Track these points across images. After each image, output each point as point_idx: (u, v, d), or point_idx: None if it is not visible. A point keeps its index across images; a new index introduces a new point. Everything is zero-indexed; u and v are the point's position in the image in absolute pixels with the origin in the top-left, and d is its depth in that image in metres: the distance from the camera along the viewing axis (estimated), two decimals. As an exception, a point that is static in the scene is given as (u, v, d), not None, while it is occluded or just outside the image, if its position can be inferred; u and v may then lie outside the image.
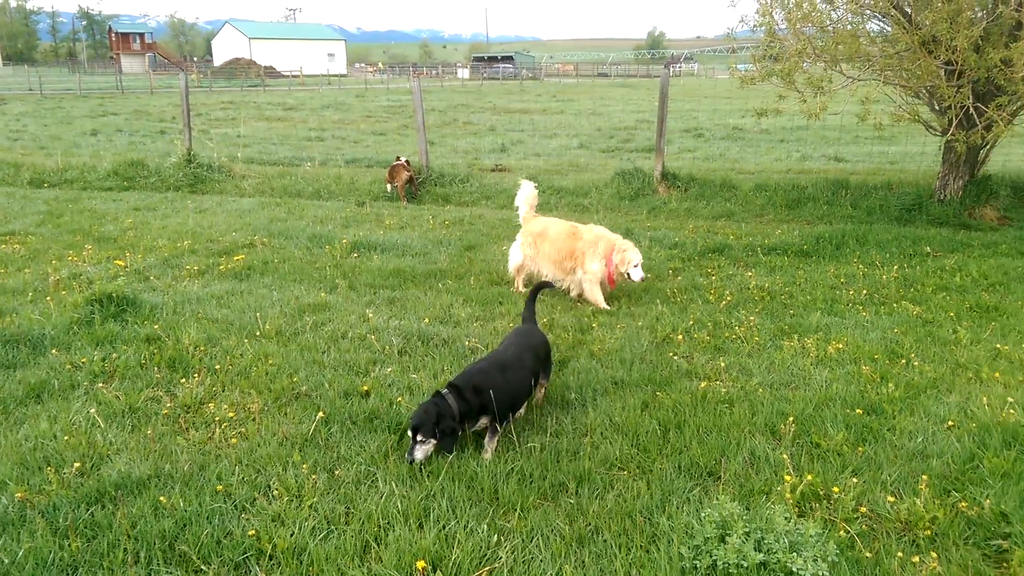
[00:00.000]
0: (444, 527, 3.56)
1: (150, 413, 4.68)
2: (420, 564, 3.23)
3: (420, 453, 4.02)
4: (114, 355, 5.48)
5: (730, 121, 25.57)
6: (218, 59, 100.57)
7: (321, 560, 3.33)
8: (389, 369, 5.32)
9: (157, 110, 33.18)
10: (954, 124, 8.75)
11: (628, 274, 6.87)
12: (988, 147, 10.44)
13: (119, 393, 4.90)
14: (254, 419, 4.61)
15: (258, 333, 6.02)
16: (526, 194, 7.67)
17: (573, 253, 7.02)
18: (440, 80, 74.57)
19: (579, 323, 6.50)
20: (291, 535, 3.49)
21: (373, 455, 4.19)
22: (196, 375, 5.20)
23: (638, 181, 12.43)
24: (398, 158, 12.29)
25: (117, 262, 7.99)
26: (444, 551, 3.37)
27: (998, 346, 5.86)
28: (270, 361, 5.45)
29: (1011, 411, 4.68)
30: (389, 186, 12.27)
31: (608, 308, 6.86)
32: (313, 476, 3.96)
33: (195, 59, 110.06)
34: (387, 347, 5.73)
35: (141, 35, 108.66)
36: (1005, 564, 3.37)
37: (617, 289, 7.39)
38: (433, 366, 5.39)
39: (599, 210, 11.36)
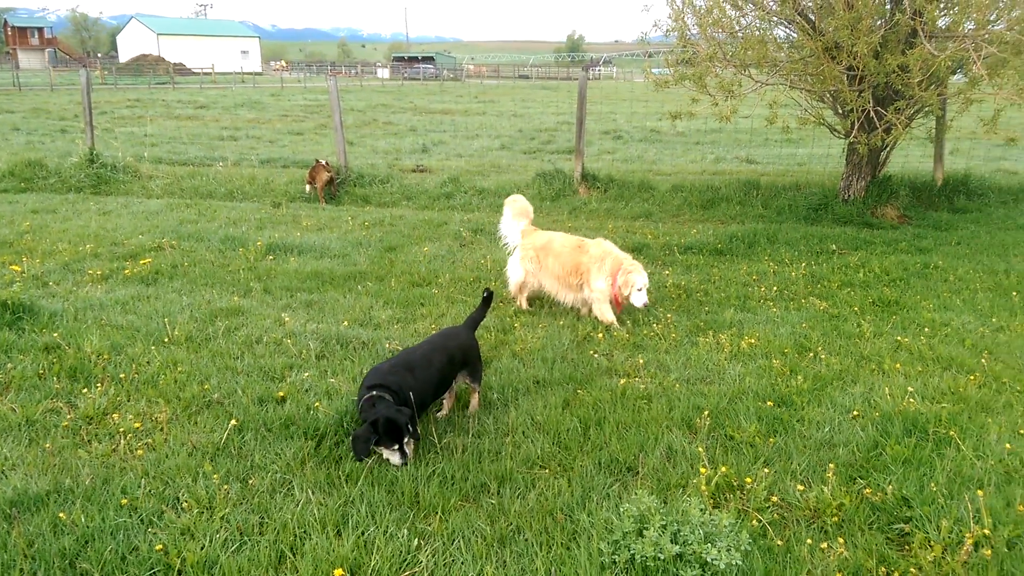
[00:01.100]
0: (363, 533, 3.49)
1: (49, 426, 4.42)
2: (338, 572, 3.16)
3: (410, 451, 4.06)
4: (9, 365, 5.16)
5: (647, 124, 26.12)
6: (124, 55, 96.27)
7: (233, 573, 3.21)
8: (306, 374, 5.18)
9: (58, 108, 31.49)
10: (856, 127, 9.17)
11: (630, 296, 6.39)
12: (888, 149, 10.99)
13: (15, 405, 4.61)
14: (162, 429, 4.42)
15: (166, 339, 5.78)
16: (518, 207, 7.17)
17: (578, 268, 6.59)
18: (359, 80, 73.50)
19: (501, 323, 6.50)
20: (201, 548, 3.35)
21: (289, 462, 4.07)
22: (99, 385, 4.94)
23: (559, 182, 12.55)
24: (317, 160, 12.03)
25: (13, 267, 7.53)
26: (363, 558, 3.30)
27: (899, 338, 6.16)
28: (179, 368, 5.23)
29: (911, 400, 4.93)
30: (308, 187, 12.00)
31: (619, 327, 6.45)
32: (225, 486, 3.81)
33: (99, 55, 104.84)
34: (304, 351, 5.59)
35: (40, 30, 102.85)
36: (907, 547, 3.53)
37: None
38: (352, 369, 5.28)
39: (520, 211, 11.40)
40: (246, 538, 3.46)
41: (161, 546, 3.35)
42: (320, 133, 23.35)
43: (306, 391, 4.93)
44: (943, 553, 3.39)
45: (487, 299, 5.12)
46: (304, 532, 3.50)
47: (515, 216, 7.15)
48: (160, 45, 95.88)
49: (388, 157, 17.50)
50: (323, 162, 11.85)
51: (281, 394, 4.84)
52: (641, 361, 5.68)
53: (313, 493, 3.78)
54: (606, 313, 6.54)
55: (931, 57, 8.09)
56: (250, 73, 79.98)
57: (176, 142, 19.67)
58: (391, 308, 6.75)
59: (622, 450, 4.32)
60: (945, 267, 8.22)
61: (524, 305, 7.04)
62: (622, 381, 5.28)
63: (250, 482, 3.90)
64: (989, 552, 3.35)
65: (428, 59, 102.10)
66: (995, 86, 8.54)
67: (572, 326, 6.44)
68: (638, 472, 4.14)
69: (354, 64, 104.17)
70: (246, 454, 4.17)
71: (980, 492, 3.74)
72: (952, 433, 4.43)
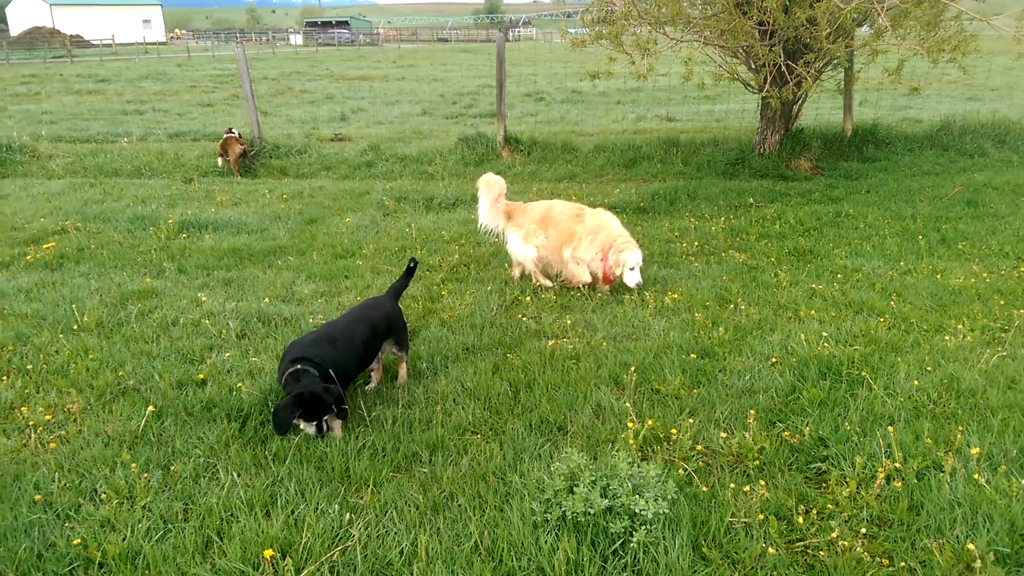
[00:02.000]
0: (293, 512, 3.43)
1: (-52, 425, 4.17)
2: (268, 553, 3.10)
3: (338, 428, 4.01)
4: (-100, 364, 4.84)
5: (569, 84, 26.09)
6: (15, 29, 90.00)
7: (158, 562, 3.11)
8: (227, 354, 5.03)
9: (-58, 85, 29.34)
10: (768, 81, 9.36)
11: (622, 276, 6.15)
12: (800, 102, 11.28)
13: (-92, 406, 4.33)
14: (75, 420, 4.23)
15: (76, 327, 5.51)
16: (496, 190, 6.66)
17: (572, 237, 6.32)
18: (271, 47, 70.84)
19: (429, 292, 6.44)
20: (123, 539, 3.24)
21: (213, 446, 3.95)
22: (5, 378, 4.69)
23: (482, 146, 12.45)
24: (229, 130, 11.58)
25: (-101, 259, 7.04)
26: (293, 536, 3.25)
27: (813, 286, 6.39)
28: (91, 356, 5.00)
29: (826, 344, 5.13)
30: (220, 160, 11.55)
31: (586, 281, 6.32)
32: (145, 475, 3.68)
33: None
34: (224, 331, 5.42)
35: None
36: (824, 484, 3.69)
37: (468, 255, 7.39)
38: (275, 347, 5.15)
39: (444, 177, 11.28)
40: (170, 526, 3.35)
41: (80, 540, 3.22)
42: (231, 104, 22.47)
43: (228, 372, 4.79)
44: (858, 488, 3.55)
45: (411, 269, 5.05)
46: (231, 515, 3.41)
47: (493, 202, 6.65)
48: (54, 16, 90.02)
49: (305, 127, 16.99)
50: (235, 133, 11.41)
51: (201, 376, 4.68)
52: (569, 322, 5.73)
53: (239, 475, 3.69)
54: (579, 273, 6.33)
55: (837, 9, 8.28)
56: (153, 43, 76.11)
57: (77, 118, 18.62)
58: (314, 282, 6.60)
59: (552, 410, 4.36)
60: (855, 215, 8.54)
61: (546, 282, 6.63)
62: (550, 343, 5.32)
63: (172, 469, 3.78)
64: (900, 484, 3.53)
65: (343, 24, 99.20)
66: (898, 37, 8.82)
67: (500, 291, 6.43)
68: (568, 431, 4.19)
69: (265, 31, 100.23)
70: (166, 440, 4.03)
71: (891, 428, 3.93)
72: (864, 374, 4.63)
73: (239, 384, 4.55)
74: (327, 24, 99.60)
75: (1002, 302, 5.90)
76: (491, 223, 6.76)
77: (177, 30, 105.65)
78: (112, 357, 5.00)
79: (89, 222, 8.48)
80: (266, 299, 6.08)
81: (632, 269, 6.09)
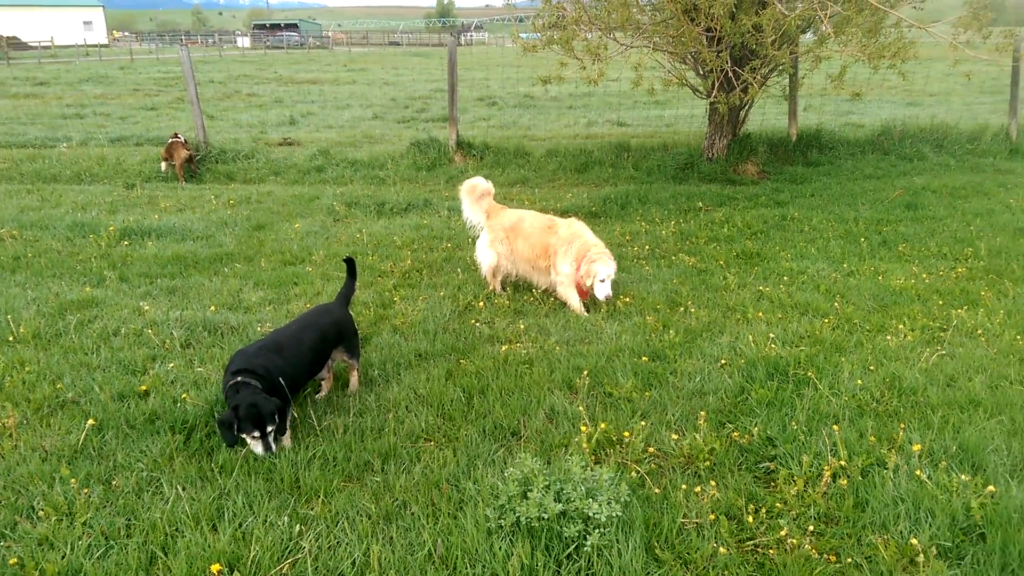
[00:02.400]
0: (241, 525, 3.35)
1: None
2: (215, 568, 3.02)
3: (274, 442, 3.85)
4: None
5: (521, 89, 26.17)
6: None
7: (99, 582, 3.00)
8: (171, 364, 4.89)
9: None
10: (716, 87, 9.52)
11: (593, 288, 5.97)
12: (747, 108, 11.50)
13: None
14: (11, 435, 4.06)
15: (11, 338, 5.30)
16: (477, 192, 6.67)
17: (547, 250, 6.21)
18: (218, 49, 69.50)
19: (380, 298, 6.37)
20: (63, 557, 3.12)
21: (156, 459, 3.84)
22: (-68, 393, 4.48)
23: (434, 151, 12.39)
24: (175, 134, 11.30)
25: None
26: (241, 550, 3.17)
27: (761, 288, 6.51)
28: (27, 368, 4.82)
29: (773, 346, 5.22)
30: (164, 164, 11.26)
31: (586, 314, 6.03)
32: (85, 490, 3.55)
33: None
34: (167, 341, 5.27)
35: None
36: (773, 483, 3.75)
37: (420, 261, 7.34)
38: (222, 357, 5.03)
39: (396, 181, 11.20)
40: (112, 542, 3.24)
41: (16, 559, 3.10)
42: (176, 107, 21.96)
43: (172, 383, 4.66)
44: (805, 486, 3.62)
45: (351, 268, 4.95)
46: (176, 530, 3.32)
47: (475, 201, 6.69)
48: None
49: (253, 131, 16.69)
50: (180, 138, 11.14)
51: (144, 388, 4.55)
52: (522, 327, 5.73)
53: (184, 489, 3.59)
54: (570, 299, 6.16)
55: (782, 16, 8.48)
56: (95, 45, 73.89)
57: (13, 123, 17.96)
58: (262, 289, 6.47)
59: (506, 416, 4.35)
60: (800, 218, 8.73)
61: (498, 288, 6.63)
62: (504, 348, 5.31)
63: (114, 483, 3.66)
64: (845, 482, 3.61)
65: (292, 26, 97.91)
66: (841, 43, 9.06)
67: (453, 296, 6.40)
68: (522, 436, 4.18)
69: (211, 33, 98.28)
70: (107, 454, 3.90)
71: (836, 427, 4.02)
72: (810, 374, 4.73)
73: (184, 395, 4.42)
74: (276, 27, 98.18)
75: (941, 302, 6.09)
76: (473, 219, 6.83)
77: (115, 32, 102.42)
78: (50, 369, 4.83)
79: (26, 229, 8.18)
80: (212, 307, 5.94)
81: (603, 281, 5.88)
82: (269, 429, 3.77)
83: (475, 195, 6.69)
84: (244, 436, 3.78)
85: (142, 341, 5.30)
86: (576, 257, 6.04)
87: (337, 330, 4.55)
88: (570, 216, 6.67)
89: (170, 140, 11.22)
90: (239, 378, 3.88)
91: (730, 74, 9.30)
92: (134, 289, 6.43)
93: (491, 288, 6.64)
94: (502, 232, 6.49)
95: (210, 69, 39.17)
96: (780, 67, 10.11)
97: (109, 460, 3.86)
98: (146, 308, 5.88)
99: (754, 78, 9.11)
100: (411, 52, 68.83)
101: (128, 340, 5.31)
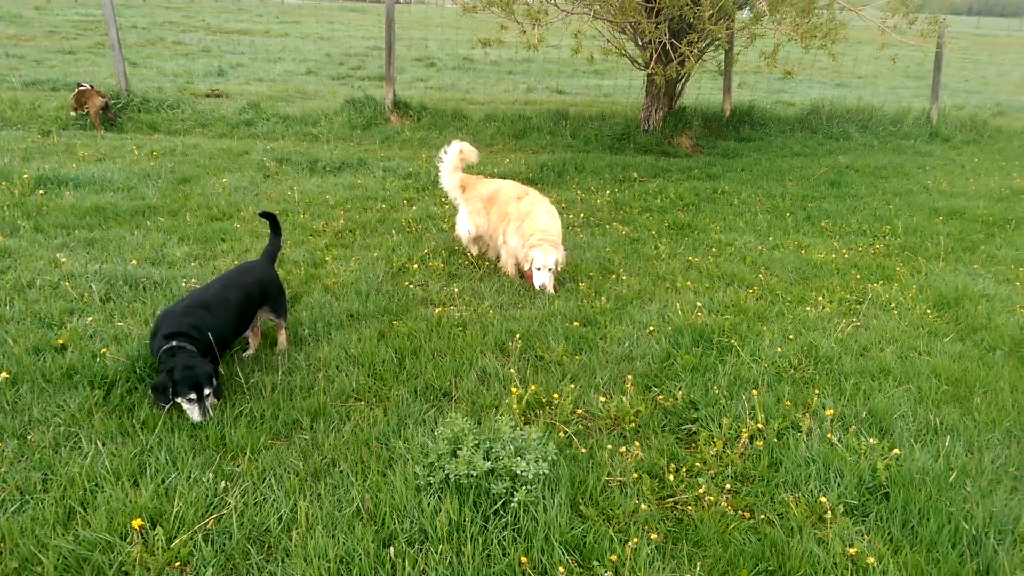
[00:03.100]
0: (164, 481, 3.28)
1: None
2: (136, 522, 2.95)
3: (209, 408, 3.75)
4: None
5: (460, 52, 25.77)
6: None
7: (15, 534, 2.91)
8: (90, 319, 4.71)
9: None
10: (653, 59, 9.60)
11: (531, 275, 5.76)
12: (683, 81, 11.65)
13: None
14: (-87, 389, 3.86)
15: (-87, 287, 5.01)
16: (452, 160, 6.58)
17: (505, 218, 6.05)
18: (144, -6, 65.77)
19: (312, 257, 6.25)
20: (-29, 514, 3.00)
21: (74, 414, 3.71)
22: None
23: (370, 110, 12.14)
24: (80, 84, 10.68)
25: None
26: (164, 506, 3.11)
27: (690, 258, 6.67)
28: (-69, 319, 4.56)
29: (699, 314, 5.38)
30: (74, 113, 10.67)
31: (510, 274, 6.02)
32: (-1, 445, 3.42)
33: None
34: (86, 294, 5.07)
35: None
36: (693, 444, 3.89)
37: (354, 221, 7.22)
38: (144, 312, 4.87)
39: (330, 139, 10.95)
40: (28, 497, 3.14)
41: (-81, 518, 2.96)
42: (96, 52, 20.78)
43: (91, 337, 4.49)
44: (724, 447, 3.77)
45: (273, 224, 4.83)
46: (96, 485, 3.23)
47: (452, 170, 6.58)
48: None
49: (178, 80, 15.97)
50: (92, 87, 10.54)
51: (61, 342, 4.37)
52: (456, 290, 5.73)
53: (104, 444, 3.49)
54: (507, 265, 6.11)
55: (720, -8, 8.59)
56: (6, -20, 69.13)
57: (-87, 59, 16.72)
58: (187, 244, 6.27)
59: (437, 377, 4.36)
60: (731, 192, 8.95)
61: (475, 252, 6.56)
62: (437, 310, 5.30)
63: (29, 438, 3.53)
64: (761, 443, 3.77)
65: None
66: (775, 21, 9.25)
67: (387, 258, 6.33)
68: (453, 396, 4.21)
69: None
70: (22, 408, 3.75)
71: (755, 392, 4.19)
72: (733, 341, 4.90)
73: (103, 350, 4.27)
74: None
75: (858, 276, 6.37)
76: (449, 192, 6.71)
77: None
78: (-43, 321, 4.59)
79: (-71, 174, 7.68)
80: (134, 261, 5.73)
81: (539, 269, 5.67)
82: (206, 392, 3.70)
83: (451, 162, 6.58)
84: (180, 400, 3.70)
85: (59, 294, 5.08)
86: (524, 235, 5.85)
87: (262, 289, 4.43)
88: (544, 197, 6.28)
89: (78, 89, 10.62)
90: (173, 342, 3.78)
91: (667, 46, 9.39)
92: (50, 240, 6.13)
93: (472, 255, 6.53)
94: (479, 203, 6.32)
95: (133, 14, 37.13)
96: (716, 42, 10.26)
97: (24, 415, 3.71)
98: (63, 260, 5.63)
99: (691, 51, 9.22)
100: (347, 7, 66.75)
101: (44, 292, 5.08)
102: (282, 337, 4.65)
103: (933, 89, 13.31)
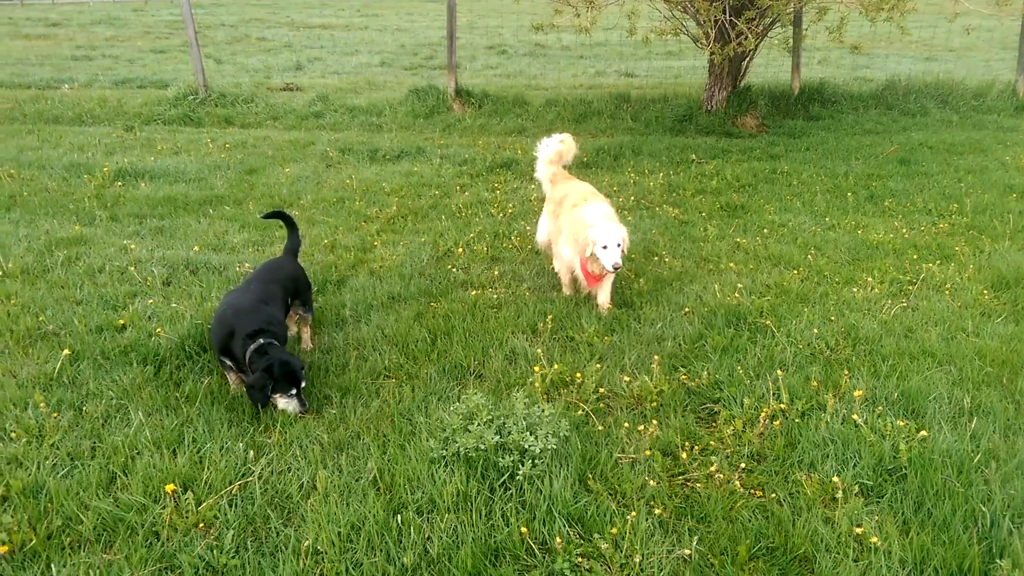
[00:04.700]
0: (199, 450, 3.54)
1: None
2: (169, 487, 3.21)
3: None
4: None
5: (533, 38, 25.76)
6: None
7: (61, 496, 3.21)
8: (150, 301, 5.07)
9: None
10: (712, 37, 9.41)
11: (597, 258, 4.88)
12: (747, 59, 11.34)
13: None
14: (-9, 364, 4.27)
15: (0, 273, 5.49)
16: (549, 153, 5.82)
17: (560, 231, 5.33)
18: (234, -7, 68.43)
19: (362, 242, 6.48)
20: (28, 475, 3.32)
21: (126, 388, 4.03)
22: (-79, 323, 4.69)
23: (432, 98, 12.34)
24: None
25: None
26: (196, 473, 3.37)
27: (738, 240, 6.56)
28: (13, 301, 5.01)
29: (737, 295, 5.31)
30: None
31: (568, 293, 5.39)
32: (55, 414, 3.76)
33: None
34: (149, 278, 5.44)
35: None
36: (713, 423, 3.89)
37: (406, 208, 7.42)
38: (200, 295, 5.19)
39: (392, 128, 11.22)
40: (77, 463, 3.45)
41: (-16, 477, 3.31)
42: (185, 51, 21.81)
43: (149, 318, 4.83)
44: (743, 427, 3.75)
45: (287, 221, 4.89)
46: (138, 453, 3.52)
47: (547, 163, 5.84)
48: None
49: (258, 75, 16.65)
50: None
51: (121, 322, 4.72)
52: (496, 273, 5.84)
53: (149, 416, 3.78)
54: (563, 279, 5.46)
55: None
56: (110, -14, 73.16)
57: (23, 64, 18.00)
58: (247, 231, 6.61)
59: (466, 356, 4.49)
60: (791, 172, 8.71)
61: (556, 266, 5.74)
62: (474, 292, 5.43)
63: (84, 409, 3.86)
64: (779, 423, 3.74)
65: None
66: (842, -4, 8.91)
67: (434, 242, 6.49)
68: (480, 375, 4.33)
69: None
70: (81, 383, 4.10)
71: (780, 372, 4.13)
72: (768, 322, 4.83)
73: (158, 330, 4.59)
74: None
75: (915, 256, 6.13)
76: (543, 186, 6.01)
77: None
78: (35, 303, 5.02)
79: (24, 169, 8.34)
80: (196, 247, 6.10)
81: (605, 248, 4.81)
82: (303, 385, 3.84)
83: (547, 155, 5.84)
84: (277, 396, 3.82)
85: (125, 278, 5.48)
86: (575, 237, 5.02)
87: (294, 284, 4.53)
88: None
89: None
90: (260, 339, 3.86)
91: (725, 24, 9.18)
92: (123, 228, 6.59)
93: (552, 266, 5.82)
94: (552, 205, 5.59)
95: (222, 12, 38.76)
96: (778, 18, 9.93)
97: (82, 388, 4.05)
98: (132, 247, 6.05)
99: (750, 28, 8.98)
100: (427, -2, 67.57)
101: (111, 277, 5.49)
102: (307, 334, 4.69)
103: (1020, 60, 12.48)
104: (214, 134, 10.49)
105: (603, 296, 5.19)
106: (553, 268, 5.78)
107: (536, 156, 6.03)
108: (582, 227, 4.94)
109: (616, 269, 4.82)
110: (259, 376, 3.74)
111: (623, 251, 4.89)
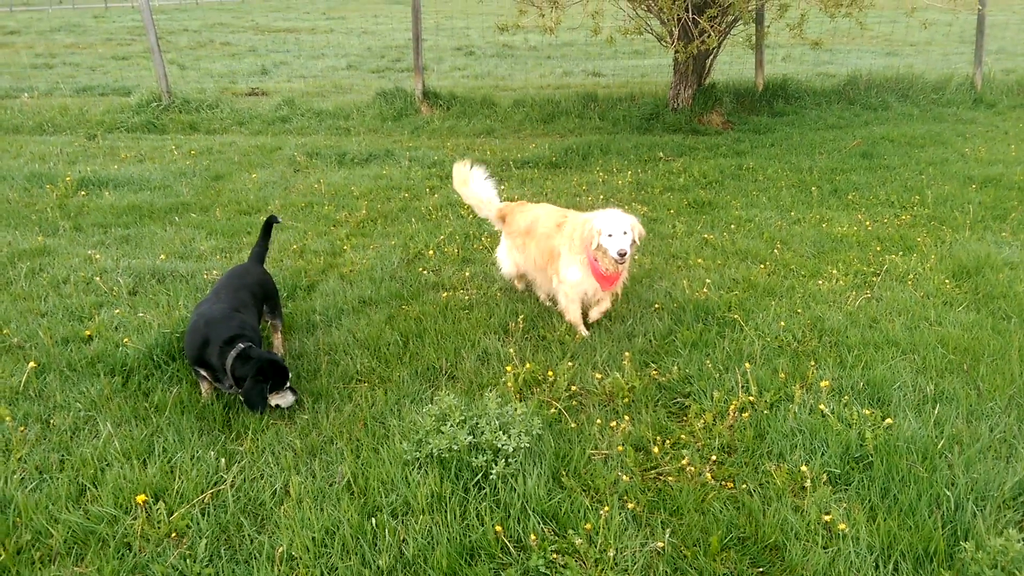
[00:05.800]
0: (170, 460, 3.50)
1: None
2: (140, 498, 3.18)
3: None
4: None
5: (500, 39, 25.79)
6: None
7: (30, 510, 3.16)
8: (117, 311, 5.00)
9: None
10: (675, 36, 9.50)
11: (604, 249, 4.59)
12: (711, 57, 11.47)
13: None
14: (-47, 379, 4.18)
15: (-40, 286, 5.39)
16: (466, 177, 5.56)
17: (551, 254, 4.96)
18: (197, -2, 67.61)
19: (331, 247, 6.45)
20: (-5, 491, 3.27)
21: (94, 400, 3.98)
22: None
23: (400, 101, 12.31)
24: None
25: None
26: (167, 482, 3.34)
27: (706, 236, 6.64)
28: (-26, 316, 4.92)
29: (706, 290, 5.38)
30: None
31: (586, 333, 4.90)
32: (22, 428, 3.70)
33: None
34: (115, 288, 5.37)
35: None
36: (684, 417, 3.94)
37: (376, 211, 7.40)
38: (167, 303, 5.14)
39: (360, 132, 11.17)
40: (45, 476, 3.40)
41: (-51, 494, 3.24)
42: (147, 56, 21.54)
43: (115, 328, 4.76)
44: (713, 420, 3.81)
45: (269, 227, 4.88)
46: (107, 465, 3.47)
47: (487, 201, 5.52)
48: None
49: (223, 81, 16.47)
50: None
51: (88, 333, 4.66)
52: (467, 274, 5.85)
53: (118, 426, 3.74)
54: (572, 312, 4.95)
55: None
56: (69, -8, 71.85)
57: (-21, 72, 17.63)
58: (215, 238, 6.54)
59: (438, 358, 4.50)
60: (756, 168, 8.83)
61: (520, 287, 5.63)
62: (445, 294, 5.43)
63: (52, 422, 3.80)
64: (748, 415, 3.80)
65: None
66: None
67: (404, 245, 6.49)
68: (447, 374, 4.34)
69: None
70: (48, 395, 4.04)
71: (748, 365, 4.20)
72: (736, 316, 4.90)
73: (126, 340, 4.53)
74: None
75: (878, 248, 6.25)
76: (495, 225, 5.69)
77: None
78: (-3, 316, 4.93)
79: (-17, 180, 8.17)
80: (162, 256, 6.03)
81: (611, 236, 4.56)
82: (291, 376, 3.90)
83: (463, 176, 5.59)
84: (275, 394, 3.83)
85: (91, 288, 5.40)
86: (583, 246, 4.74)
87: (263, 289, 4.51)
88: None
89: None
90: (240, 345, 3.83)
91: (688, 23, 9.28)
92: (88, 238, 6.49)
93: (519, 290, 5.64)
94: (520, 239, 5.24)
95: (185, 17, 38.26)
96: (739, 16, 10.06)
97: (49, 401, 4.00)
98: (97, 257, 5.96)
99: (712, 27, 9.09)
100: (392, 0, 67.30)
101: (77, 287, 5.40)
102: (278, 340, 4.66)
103: (976, 54, 12.77)
104: (179, 141, 10.36)
105: (596, 312, 5.00)
106: (516, 287, 5.61)
107: (463, 190, 5.62)
108: (583, 224, 4.73)
109: (623, 256, 4.50)
110: (253, 383, 3.74)
111: (636, 242, 4.67)
